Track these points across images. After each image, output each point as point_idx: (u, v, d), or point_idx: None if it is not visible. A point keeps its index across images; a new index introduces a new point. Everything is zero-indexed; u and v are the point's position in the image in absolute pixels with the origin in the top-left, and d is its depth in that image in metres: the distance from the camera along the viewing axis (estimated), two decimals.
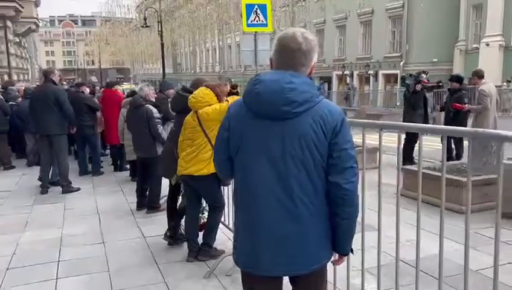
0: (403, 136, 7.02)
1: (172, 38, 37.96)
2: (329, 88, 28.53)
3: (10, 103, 8.98)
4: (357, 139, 2.11)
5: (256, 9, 10.79)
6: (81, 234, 4.69)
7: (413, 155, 7.67)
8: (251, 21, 10.73)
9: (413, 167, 6.01)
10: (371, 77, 26.12)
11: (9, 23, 21.95)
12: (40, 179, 6.61)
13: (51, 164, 6.67)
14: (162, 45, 25.05)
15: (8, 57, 22.07)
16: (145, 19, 23.35)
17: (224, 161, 1.86)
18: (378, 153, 2.58)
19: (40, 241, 4.49)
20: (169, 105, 4.65)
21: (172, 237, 4.27)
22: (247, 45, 11.06)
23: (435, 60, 22.57)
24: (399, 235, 2.37)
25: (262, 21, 10.82)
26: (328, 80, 29.47)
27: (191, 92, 3.81)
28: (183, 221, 4.09)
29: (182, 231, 4.20)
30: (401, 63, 23.75)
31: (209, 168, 3.57)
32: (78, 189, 6.58)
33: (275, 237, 1.70)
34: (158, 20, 24.99)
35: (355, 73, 27.73)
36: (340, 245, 1.81)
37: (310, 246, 1.72)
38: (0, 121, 8.33)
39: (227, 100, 3.63)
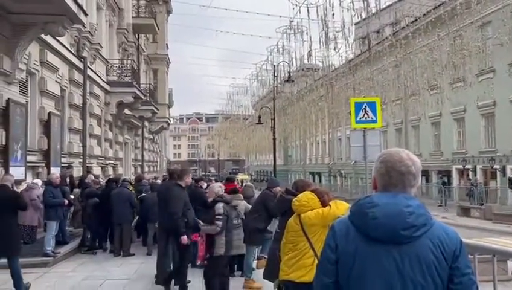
0: None
1: (284, 132, 39.95)
2: (449, 183, 26.50)
3: (142, 194, 10.12)
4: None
5: (365, 106, 10.93)
6: None
7: None
8: (360, 118, 10.86)
9: None
10: (498, 172, 23.72)
11: (146, 123, 25.44)
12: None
13: (165, 255, 7.13)
14: (274, 140, 26.48)
15: (142, 152, 25.25)
16: (259, 117, 25.24)
17: (330, 285, 1.74)
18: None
19: None
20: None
21: None
22: (357, 140, 11.09)
23: None
24: None
25: (371, 118, 10.87)
26: (447, 174, 27.53)
27: (294, 195, 3.91)
28: None
29: None
30: None
31: (311, 275, 3.48)
32: (189, 281, 6.84)
33: None
34: (271, 118, 26.76)
35: (479, 167, 25.49)
36: None
37: None
38: (127, 212, 9.35)
39: (330, 205, 3.64)
